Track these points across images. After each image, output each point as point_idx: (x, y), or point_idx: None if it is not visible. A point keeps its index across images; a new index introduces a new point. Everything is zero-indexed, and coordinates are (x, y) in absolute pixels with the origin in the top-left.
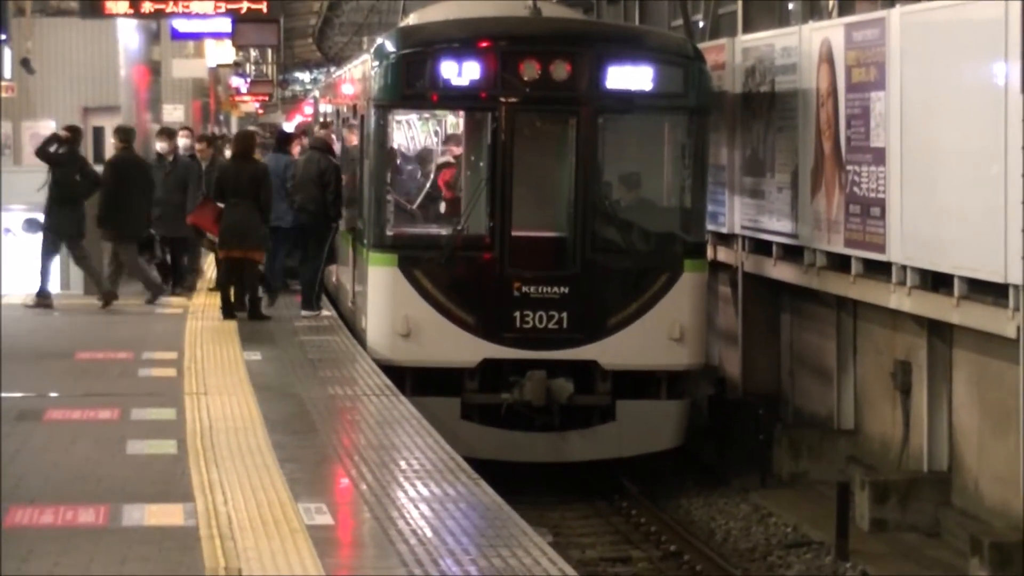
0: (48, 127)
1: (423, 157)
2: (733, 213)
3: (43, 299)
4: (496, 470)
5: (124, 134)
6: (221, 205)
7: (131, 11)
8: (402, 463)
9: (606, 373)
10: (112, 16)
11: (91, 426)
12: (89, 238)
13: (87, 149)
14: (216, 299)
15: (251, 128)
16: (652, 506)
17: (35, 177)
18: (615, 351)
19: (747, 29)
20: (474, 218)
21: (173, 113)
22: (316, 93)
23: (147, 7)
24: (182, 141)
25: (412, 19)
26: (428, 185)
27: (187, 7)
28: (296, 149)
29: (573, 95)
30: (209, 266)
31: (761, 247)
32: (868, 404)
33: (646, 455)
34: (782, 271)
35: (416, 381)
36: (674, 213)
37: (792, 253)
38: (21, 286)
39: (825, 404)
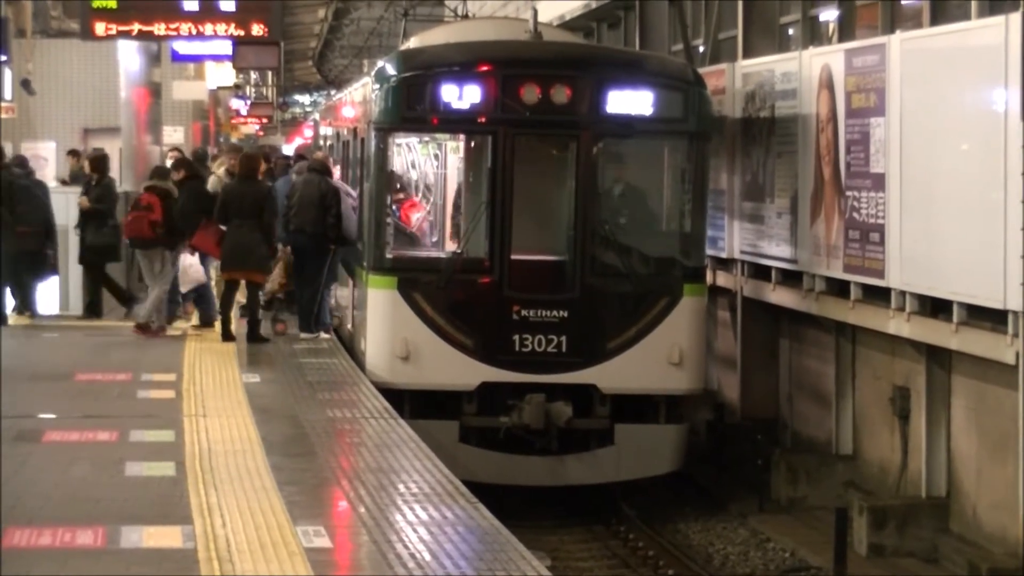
0: (48, 148)
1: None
2: (732, 238)
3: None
4: (494, 493)
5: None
6: (224, 227)
7: (132, 33)
8: (400, 486)
9: (605, 397)
10: (113, 38)
11: (90, 447)
12: None
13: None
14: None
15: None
16: (650, 530)
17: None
18: (614, 375)
19: (747, 54)
20: (473, 241)
21: (173, 135)
22: (316, 115)
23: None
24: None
25: (413, 42)
26: (427, 208)
27: (188, 29)
28: None
29: (573, 119)
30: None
31: (760, 272)
32: (866, 429)
33: (644, 479)
34: (781, 296)
35: (415, 404)
36: (673, 237)
37: (791, 278)
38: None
39: (823, 429)
